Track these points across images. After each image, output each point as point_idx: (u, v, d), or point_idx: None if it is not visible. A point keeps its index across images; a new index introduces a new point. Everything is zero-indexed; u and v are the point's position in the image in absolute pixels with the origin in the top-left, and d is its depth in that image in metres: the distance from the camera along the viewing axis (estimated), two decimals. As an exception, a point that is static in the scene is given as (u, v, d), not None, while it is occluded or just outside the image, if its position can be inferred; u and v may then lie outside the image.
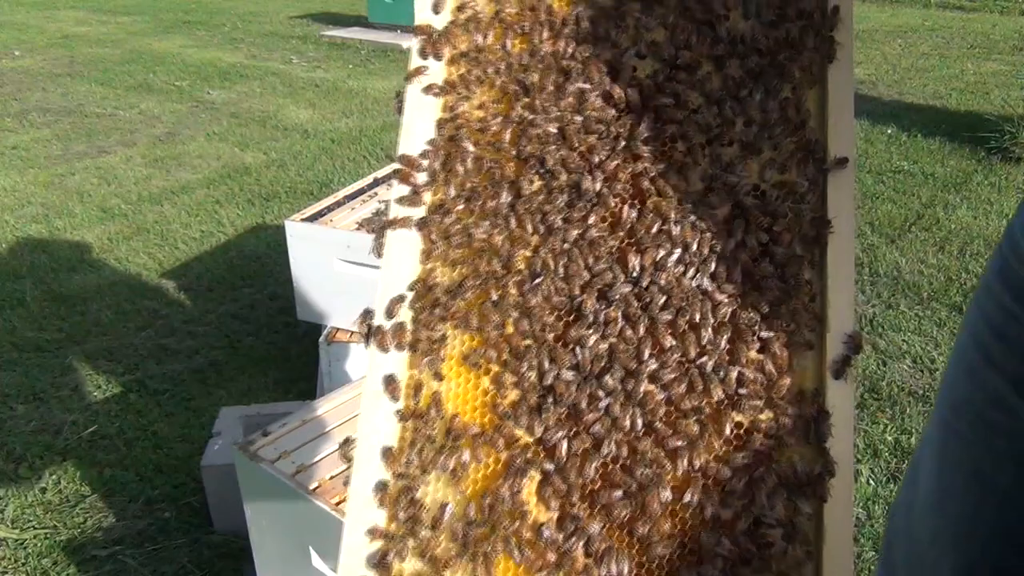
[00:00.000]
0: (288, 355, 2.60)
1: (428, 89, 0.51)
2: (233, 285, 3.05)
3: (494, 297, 0.47)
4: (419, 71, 0.51)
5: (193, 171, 4.27)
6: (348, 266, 2.20)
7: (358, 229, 2.17)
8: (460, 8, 0.53)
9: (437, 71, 0.51)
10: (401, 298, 0.49)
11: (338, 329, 2.29)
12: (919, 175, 3.83)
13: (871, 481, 1.99)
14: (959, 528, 0.77)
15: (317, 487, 1.12)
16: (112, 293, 3.01)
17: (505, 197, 0.48)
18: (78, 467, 2.12)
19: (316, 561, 1.15)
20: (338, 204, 2.35)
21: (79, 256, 3.31)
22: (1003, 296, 0.70)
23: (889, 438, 2.13)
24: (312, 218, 2.25)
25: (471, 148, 0.48)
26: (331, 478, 1.14)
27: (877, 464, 2.04)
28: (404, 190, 0.49)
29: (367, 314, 0.49)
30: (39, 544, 1.88)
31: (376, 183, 2.51)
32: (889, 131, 4.36)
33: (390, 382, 0.48)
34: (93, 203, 3.86)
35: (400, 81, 0.53)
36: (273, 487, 1.16)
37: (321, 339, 2.27)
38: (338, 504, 1.09)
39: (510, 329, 0.47)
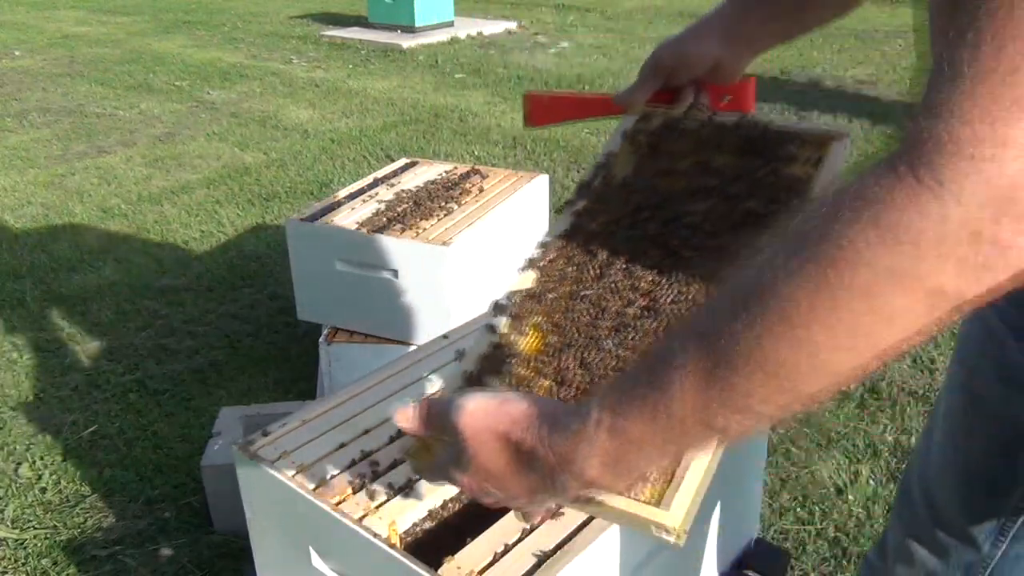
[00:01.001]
0: (288, 355, 2.60)
1: (570, 211, 0.96)
2: (233, 285, 3.05)
3: (561, 303, 0.85)
4: (571, 203, 0.96)
5: (193, 171, 4.27)
6: (348, 266, 2.20)
7: (358, 229, 2.17)
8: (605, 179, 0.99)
9: (581, 204, 0.96)
10: (515, 292, 0.88)
11: (338, 329, 2.29)
12: (919, 175, 3.84)
13: (871, 481, 1.99)
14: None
15: (317, 487, 1.12)
16: (112, 293, 3.02)
17: (586, 258, 0.89)
18: (78, 467, 2.12)
19: (316, 561, 1.15)
20: (338, 204, 2.35)
21: (79, 256, 3.31)
22: None
23: (889, 438, 2.13)
24: (312, 218, 2.25)
25: (580, 243, 0.91)
26: (331, 478, 1.14)
27: (877, 464, 2.04)
28: (537, 253, 0.92)
29: (495, 301, 0.88)
30: (39, 544, 1.88)
31: (376, 183, 2.50)
32: (889, 131, 4.36)
33: (492, 328, 0.85)
34: (93, 203, 3.86)
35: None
36: (273, 487, 1.15)
37: (321, 339, 2.27)
38: (338, 504, 1.09)
39: (562, 317, 0.84)
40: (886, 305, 0.45)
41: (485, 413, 0.61)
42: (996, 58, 0.41)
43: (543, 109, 1.13)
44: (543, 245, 0.93)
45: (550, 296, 0.86)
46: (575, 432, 0.57)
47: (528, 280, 0.89)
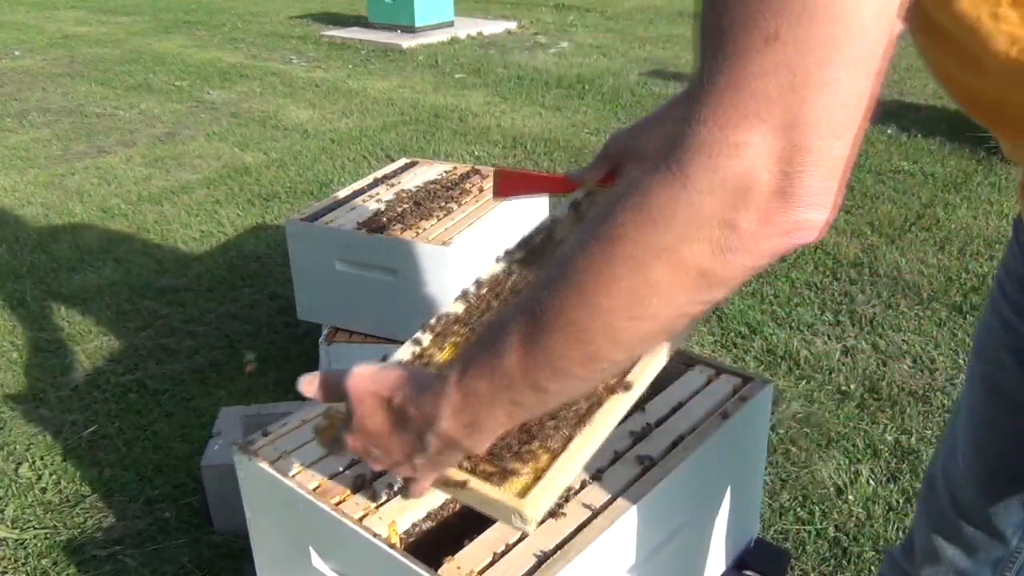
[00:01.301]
0: (288, 355, 2.60)
1: (508, 258, 1.11)
2: (233, 285, 3.05)
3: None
4: (510, 252, 1.11)
5: (193, 171, 4.27)
6: (348, 266, 2.20)
7: (358, 229, 2.17)
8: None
9: (519, 255, 1.13)
10: (444, 315, 1.01)
11: (338, 329, 2.29)
12: (919, 175, 3.84)
13: (871, 481, 1.99)
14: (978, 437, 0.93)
15: (317, 487, 1.12)
16: (112, 293, 3.02)
17: (511, 296, 1.01)
18: (78, 467, 2.12)
19: (316, 561, 1.15)
20: (338, 204, 2.35)
21: (79, 256, 3.31)
22: (1012, 242, 0.87)
23: (889, 438, 2.13)
24: (312, 218, 2.25)
25: (511, 284, 1.07)
26: (331, 478, 1.14)
27: (877, 464, 2.04)
28: (472, 287, 1.06)
29: (424, 320, 1.02)
30: (39, 544, 1.88)
31: (376, 183, 2.51)
32: (889, 131, 4.36)
33: (417, 341, 0.97)
34: (93, 203, 3.86)
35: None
36: (273, 487, 1.15)
37: (321, 339, 2.27)
38: (338, 504, 1.09)
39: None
40: (653, 277, 0.53)
41: (369, 378, 0.72)
42: (727, 77, 0.49)
43: (509, 183, 1.27)
44: (478, 282, 1.08)
45: (473, 321, 0.99)
46: (435, 392, 0.65)
47: (459, 307, 1.03)
